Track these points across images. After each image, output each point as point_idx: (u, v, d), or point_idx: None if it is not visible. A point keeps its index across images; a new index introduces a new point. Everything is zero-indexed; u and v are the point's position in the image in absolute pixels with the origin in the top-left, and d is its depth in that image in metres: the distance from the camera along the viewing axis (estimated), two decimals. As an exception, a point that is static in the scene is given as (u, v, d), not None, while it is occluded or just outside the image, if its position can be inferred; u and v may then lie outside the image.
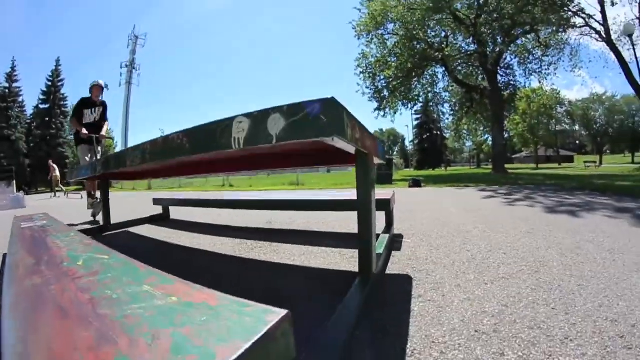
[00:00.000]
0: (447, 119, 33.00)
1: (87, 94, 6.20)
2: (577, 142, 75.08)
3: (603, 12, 21.88)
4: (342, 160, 2.46)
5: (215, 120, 1.42)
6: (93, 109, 6.20)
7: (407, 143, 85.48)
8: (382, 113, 25.18)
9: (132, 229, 4.77)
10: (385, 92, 24.67)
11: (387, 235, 3.03)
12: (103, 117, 6.29)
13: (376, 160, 2.32)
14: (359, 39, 24.92)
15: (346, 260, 2.70)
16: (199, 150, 1.48)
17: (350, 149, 1.61)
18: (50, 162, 21.30)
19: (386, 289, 2.07)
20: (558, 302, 1.74)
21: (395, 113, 25.32)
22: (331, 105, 1.21)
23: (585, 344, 1.32)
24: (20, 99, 46.87)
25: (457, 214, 4.95)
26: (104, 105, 6.35)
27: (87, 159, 5.97)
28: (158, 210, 5.96)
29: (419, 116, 62.56)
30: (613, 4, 21.44)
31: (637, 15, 21.76)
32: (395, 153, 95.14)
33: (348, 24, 25.71)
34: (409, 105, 26.00)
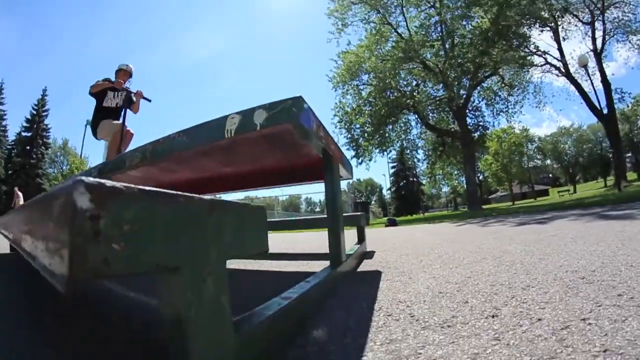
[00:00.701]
0: (422, 164, 33.92)
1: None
2: (550, 175, 77.58)
3: (560, 48, 24.08)
4: (314, 176, 2.81)
5: (211, 120, 1.77)
6: (116, 93, 5.47)
7: (384, 192, 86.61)
8: (359, 161, 25.78)
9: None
10: (361, 140, 25.40)
11: (359, 245, 3.33)
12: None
13: (343, 171, 2.67)
14: (335, 90, 25.93)
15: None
16: (197, 144, 1.80)
17: (317, 145, 1.96)
18: (16, 189, 20.23)
19: (357, 277, 2.37)
20: (519, 270, 2.07)
21: (370, 160, 25.92)
22: (300, 101, 1.60)
23: (546, 287, 1.62)
24: (3, 122, 46.08)
25: (429, 237, 5.29)
26: (128, 92, 5.53)
27: (107, 142, 5.40)
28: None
29: (394, 164, 64.02)
30: (564, 39, 23.72)
31: (591, 48, 23.96)
32: (373, 202, 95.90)
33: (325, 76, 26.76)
34: (384, 152, 26.70)
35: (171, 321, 0.66)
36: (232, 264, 3.21)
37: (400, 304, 1.63)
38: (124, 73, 5.57)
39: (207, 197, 0.71)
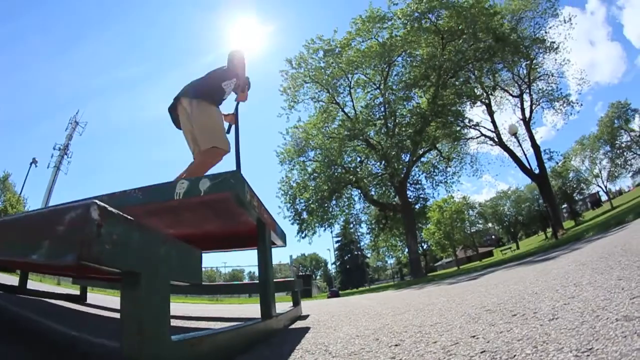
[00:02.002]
0: (366, 238, 34.51)
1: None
2: (493, 236, 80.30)
3: (493, 121, 26.64)
4: (250, 242, 3.09)
5: (165, 182, 2.06)
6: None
7: (329, 266, 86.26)
8: (302, 235, 25.89)
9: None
10: (305, 215, 25.72)
11: (293, 308, 3.56)
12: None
13: (276, 238, 2.99)
14: (282, 164, 26.54)
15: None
16: (150, 200, 2.07)
17: (252, 214, 2.30)
18: None
19: (288, 331, 2.61)
20: (435, 314, 2.34)
21: (314, 234, 26.09)
22: (237, 175, 1.97)
23: (452, 322, 1.92)
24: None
25: (365, 301, 5.53)
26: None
27: None
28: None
29: (339, 239, 64.55)
30: (496, 112, 26.48)
31: (521, 117, 26.90)
32: (318, 277, 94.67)
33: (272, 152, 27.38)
34: (327, 227, 27.03)
35: (128, 321, 0.94)
36: (175, 322, 3.31)
37: (319, 345, 1.89)
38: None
39: (162, 232, 1.03)
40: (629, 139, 52.29)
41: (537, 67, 25.94)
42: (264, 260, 2.54)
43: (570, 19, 25.50)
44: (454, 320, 1.99)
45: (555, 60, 25.66)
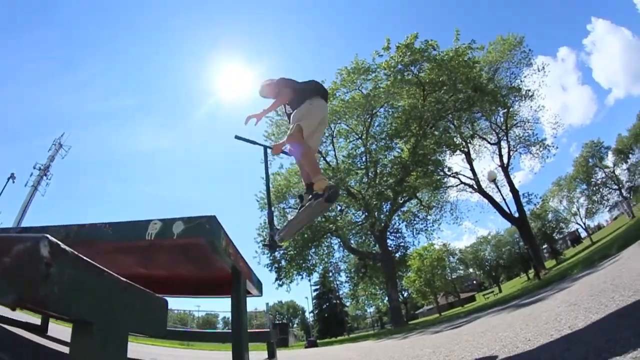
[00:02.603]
0: (345, 287, 34.09)
1: None
2: (475, 282, 79.78)
3: (472, 168, 27.34)
4: (223, 290, 2.95)
5: (138, 220, 1.93)
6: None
7: (307, 314, 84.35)
8: (280, 283, 25.38)
9: None
10: (283, 262, 25.32)
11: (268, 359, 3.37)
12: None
13: (251, 288, 2.84)
14: (262, 210, 26.21)
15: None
16: (121, 239, 1.93)
17: (227, 261, 2.17)
18: None
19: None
20: None
21: (291, 282, 25.60)
22: (214, 220, 1.86)
23: None
24: None
25: (345, 352, 5.35)
26: None
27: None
28: None
29: (317, 287, 63.46)
30: (474, 160, 27.22)
31: (499, 164, 27.78)
32: (295, 325, 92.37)
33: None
34: (305, 275, 26.61)
35: None
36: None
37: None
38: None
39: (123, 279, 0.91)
40: (603, 175, 54.81)
41: (513, 114, 27.31)
42: (238, 310, 2.39)
43: (543, 67, 27.26)
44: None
45: (531, 107, 27.16)
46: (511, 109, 26.54)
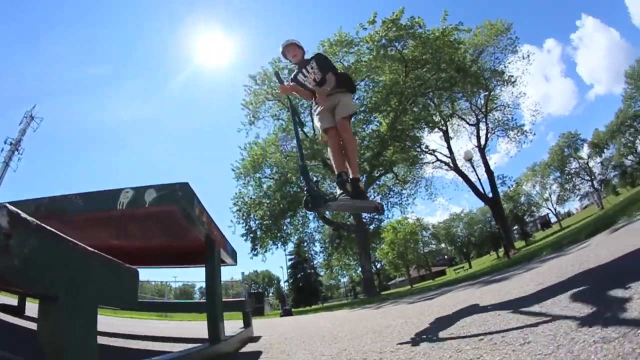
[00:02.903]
0: (319, 257, 34.53)
1: None
2: (446, 256, 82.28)
3: (449, 147, 27.71)
4: (198, 259, 2.91)
5: (109, 189, 1.87)
6: (306, 69, 4.29)
7: (282, 284, 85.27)
8: (255, 252, 25.47)
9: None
10: (258, 232, 25.36)
11: (243, 329, 3.38)
12: (326, 71, 4.17)
13: (225, 256, 2.81)
14: (237, 180, 26.08)
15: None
16: (92, 209, 1.87)
17: (200, 230, 2.13)
18: None
19: (237, 356, 2.44)
20: (394, 338, 2.26)
21: (266, 252, 25.74)
22: (186, 187, 1.80)
23: (413, 348, 1.82)
24: None
25: (319, 322, 5.39)
26: (316, 58, 4.39)
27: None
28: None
29: (292, 257, 63.99)
30: (452, 138, 27.51)
31: (476, 144, 28.25)
32: (271, 294, 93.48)
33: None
34: (280, 245, 26.79)
35: (47, 351, 0.76)
36: (117, 342, 3.07)
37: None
38: (291, 48, 4.35)
39: (91, 248, 0.86)
40: (577, 165, 57.66)
41: (494, 98, 27.64)
42: (212, 279, 2.37)
43: (528, 55, 27.55)
44: (416, 346, 1.89)
45: (512, 92, 27.61)
46: (492, 93, 26.86)
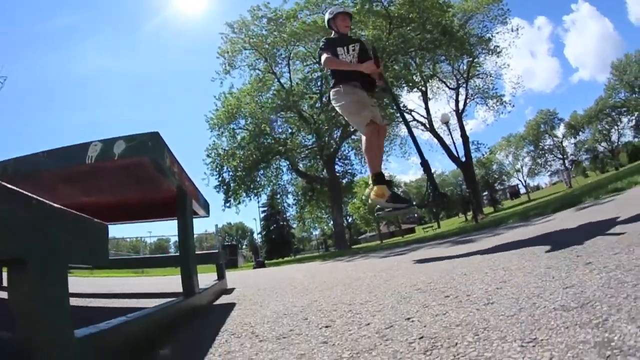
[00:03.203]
0: (292, 209, 34.84)
1: None
2: (416, 215, 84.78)
3: (427, 108, 28.20)
4: (169, 212, 2.89)
5: (76, 144, 1.80)
6: (348, 47, 4.02)
7: (255, 236, 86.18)
8: (227, 205, 25.48)
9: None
10: (232, 183, 25.29)
11: (217, 282, 3.41)
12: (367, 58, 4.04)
13: (197, 208, 2.79)
14: (211, 130, 25.69)
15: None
16: (61, 165, 1.81)
17: (172, 181, 2.09)
18: None
19: (212, 308, 2.47)
20: (364, 291, 2.31)
21: (239, 204, 25.80)
22: (156, 137, 1.76)
23: (382, 301, 1.84)
24: None
25: (291, 273, 5.51)
26: (360, 41, 4.21)
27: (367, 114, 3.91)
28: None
29: (265, 209, 64.43)
30: (428, 101, 27.81)
31: (454, 108, 28.80)
32: (244, 246, 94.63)
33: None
34: (253, 196, 26.85)
35: (19, 318, 0.75)
36: (92, 302, 3.08)
37: (245, 325, 1.78)
38: (344, 17, 4.13)
39: (57, 205, 0.82)
40: (551, 143, 59.89)
41: (477, 65, 27.71)
42: (185, 231, 2.36)
43: (517, 29, 27.92)
44: (384, 299, 1.95)
45: (496, 62, 27.95)
46: (476, 60, 26.94)
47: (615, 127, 59.26)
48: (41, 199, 0.78)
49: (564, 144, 62.41)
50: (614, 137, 60.82)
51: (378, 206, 3.98)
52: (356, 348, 1.17)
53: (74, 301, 2.88)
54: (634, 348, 0.73)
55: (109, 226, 1.15)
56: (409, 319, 1.43)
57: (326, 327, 1.53)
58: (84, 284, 5.58)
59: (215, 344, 1.46)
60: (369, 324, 1.46)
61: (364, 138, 3.97)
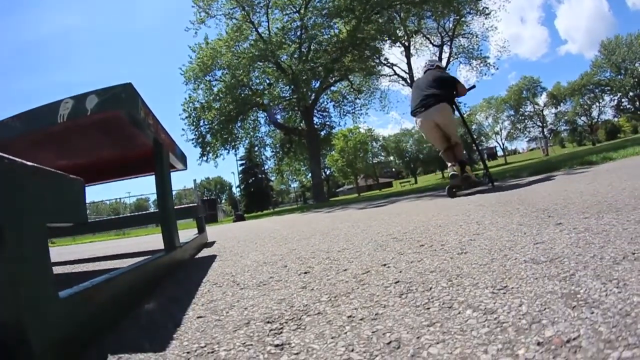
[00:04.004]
0: (270, 162, 34.68)
1: None
2: (394, 169, 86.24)
3: (409, 63, 27.51)
4: (146, 167, 2.85)
5: (46, 104, 1.74)
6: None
7: (234, 189, 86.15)
8: (205, 159, 25.15)
9: None
10: (209, 137, 24.88)
11: (197, 235, 3.44)
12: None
13: (175, 161, 2.76)
14: (186, 84, 24.91)
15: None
16: (32, 128, 1.76)
17: (148, 134, 2.06)
18: None
19: (194, 261, 2.51)
20: (341, 239, 2.40)
21: (217, 157, 25.50)
22: (129, 88, 1.71)
23: (359, 248, 1.89)
24: None
25: (270, 225, 5.60)
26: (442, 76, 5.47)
27: None
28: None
29: (243, 162, 64.10)
30: (413, 55, 27.38)
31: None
32: (223, 201, 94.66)
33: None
34: (231, 149, 26.53)
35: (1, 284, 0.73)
36: (76, 268, 3.09)
37: (226, 275, 1.82)
38: None
39: (30, 163, 0.81)
40: (532, 110, 60.65)
41: (464, 24, 26.84)
42: (163, 186, 2.35)
43: None
44: (361, 247, 2.01)
45: (484, 24, 27.03)
46: (463, 19, 25.97)
47: (597, 104, 60.69)
48: (13, 157, 0.76)
49: (545, 112, 63.61)
50: (595, 113, 62.43)
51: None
52: (334, 292, 1.22)
53: (57, 269, 2.87)
54: (598, 301, 0.78)
55: (87, 188, 1.13)
56: (385, 265, 1.49)
57: (305, 273, 1.59)
58: (66, 253, 5.55)
59: (197, 294, 1.50)
60: (346, 270, 1.51)
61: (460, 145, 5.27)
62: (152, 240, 5.62)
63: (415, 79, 26.84)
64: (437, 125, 5.02)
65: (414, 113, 5.21)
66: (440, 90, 5.03)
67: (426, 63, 5.95)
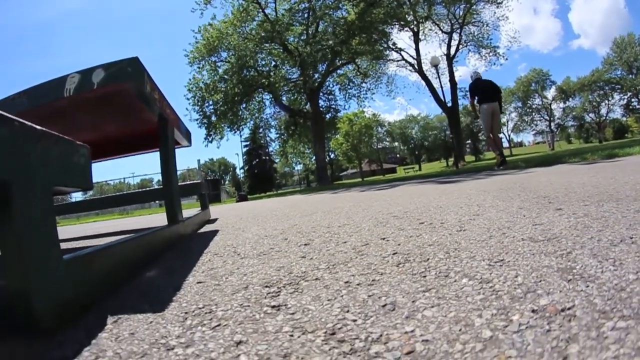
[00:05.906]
0: (275, 143, 34.63)
1: None
2: (398, 155, 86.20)
3: (417, 49, 27.24)
4: (151, 143, 2.86)
5: (53, 79, 1.75)
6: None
7: (238, 171, 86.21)
8: (210, 140, 25.11)
9: None
10: (213, 117, 24.79)
11: (201, 211, 3.46)
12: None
13: (179, 137, 2.76)
14: (191, 65, 24.73)
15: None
16: (39, 104, 1.77)
17: (153, 109, 2.07)
18: None
19: (196, 235, 2.54)
20: (342, 216, 2.42)
21: (222, 138, 25.42)
22: (136, 62, 1.71)
23: (360, 224, 1.91)
24: None
25: (272, 205, 5.63)
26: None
27: None
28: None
29: (247, 143, 63.99)
30: (421, 41, 26.96)
31: (445, 52, 28.06)
32: (227, 182, 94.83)
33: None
34: (236, 130, 26.48)
35: (6, 245, 0.76)
36: (80, 244, 3.11)
37: (227, 247, 1.85)
38: None
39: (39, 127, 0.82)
40: (540, 103, 59.81)
41: (474, 12, 26.43)
42: (167, 160, 2.36)
43: None
44: (361, 223, 2.03)
45: (495, 13, 26.44)
46: (474, 7, 25.61)
47: (606, 102, 59.29)
48: (23, 120, 0.77)
49: (553, 106, 62.64)
50: (603, 111, 61.03)
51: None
52: (332, 261, 1.25)
53: (61, 245, 2.90)
54: (593, 277, 0.80)
55: (92, 165, 1.14)
56: (384, 239, 1.51)
57: (305, 244, 1.62)
58: (71, 231, 5.59)
59: (199, 263, 1.53)
60: (345, 242, 1.54)
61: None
62: (155, 218, 5.66)
63: (422, 65, 26.73)
64: (494, 112, 7.86)
65: (481, 101, 7.93)
66: (497, 94, 8.02)
67: (475, 72, 8.62)
